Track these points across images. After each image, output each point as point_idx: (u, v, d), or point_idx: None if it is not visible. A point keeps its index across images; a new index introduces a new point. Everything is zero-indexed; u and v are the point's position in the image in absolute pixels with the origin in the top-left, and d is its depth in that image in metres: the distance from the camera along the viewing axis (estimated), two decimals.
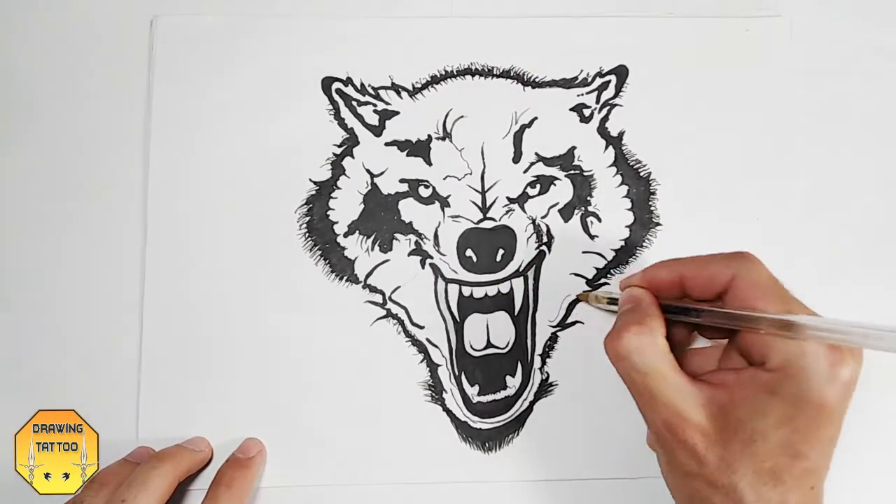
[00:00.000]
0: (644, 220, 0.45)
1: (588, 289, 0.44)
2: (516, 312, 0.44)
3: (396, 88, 0.45)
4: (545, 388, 0.44)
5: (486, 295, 0.44)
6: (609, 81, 0.45)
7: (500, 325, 0.44)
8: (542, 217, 0.44)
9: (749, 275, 0.34)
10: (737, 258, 0.35)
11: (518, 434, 0.43)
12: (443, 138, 0.45)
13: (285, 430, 0.43)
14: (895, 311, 0.45)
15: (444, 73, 0.45)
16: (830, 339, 0.31)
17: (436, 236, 0.44)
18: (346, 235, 0.44)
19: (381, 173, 0.45)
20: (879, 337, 0.29)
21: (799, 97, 0.46)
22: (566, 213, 0.45)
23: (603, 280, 0.44)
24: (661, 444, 0.35)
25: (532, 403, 0.44)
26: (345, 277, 0.44)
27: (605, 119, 0.45)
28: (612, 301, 0.40)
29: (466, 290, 0.44)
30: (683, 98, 0.46)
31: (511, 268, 0.44)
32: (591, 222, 0.45)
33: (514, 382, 0.44)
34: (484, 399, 0.43)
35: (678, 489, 0.35)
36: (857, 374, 0.32)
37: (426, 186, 0.44)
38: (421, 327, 0.44)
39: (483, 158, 0.44)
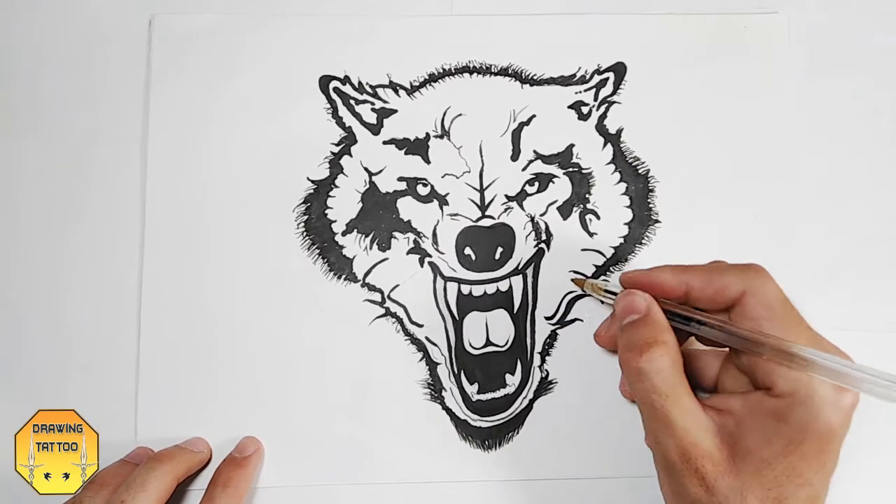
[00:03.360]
0: (643, 218, 0.45)
1: (587, 276, 0.43)
2: (515, 310, 0.44)
3: (394, 87, 0.45)
4: (545, 385, 0.44)
5: (485, 293, 0.44)
6: (607, 79, 0.45)
7: (500, 323, 0.44)
8: (541, 215, 0.44)
9: (760, 293, 0.33)
10: (749, 272, 0.34)
11: (518, 432, 0.43)
12: (441, 136, 0.45)
13: (284, 430, 0.43)
14: (894, 309, 0.45)
15: (441, 71, 0.45)
16: (826, 376, 0.31)
17: (434, 234, 0.44)
18: (344, 234, 0.44)
19: (380, 172, 0.45)
20: (881, 384, 0.29)
21: (797, 94, 0.46)
22: (565, 210, 0.44)
23: (602, 278, 0.44)
24: (669, 469, 0.34)
25: (532, 401, 0.43)
26: (343, 276, 0.44)
27: (603, 116, 0.45)
28: (609, 293, 0.40)
29: (465, 289, 0.44)
30: (682, 95, 0.46)
31: (510, 266, 0.44)
32: (590, 220, 0.45)
33: (513, 380, 0.43)
34: (483, 397, 0.43)
35: None
36: (858, 400, 0.32)
37: (424, 185, 0.44)
38: (420, 326, 0.44)
39: (481, 156, 0.44)
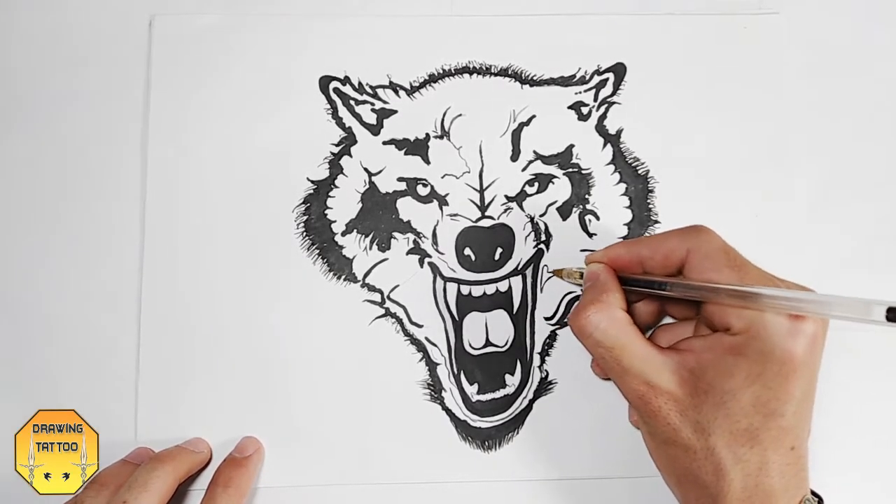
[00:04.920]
0: (642, 218, 0.45)
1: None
2: (515, 311, 0.44)
3: (394, 87, 0.45)
4: (544, 386, 0.44)
5: (484, 293, 0.44)
6: (607, 79, 0.45)
7: (499, 324, 0.44)
8: (541, 215, 0.44)
9: (702, 247, 0.35)
10: (690, 232, 0.36)
11: (518, 432, 0.43)
12: (441, 137, 0.45)
13: (284, 430, 0.43)
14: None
15: (441, 71, 0.45)
16: (785, 308, 0.31)
17: (434, 235, 0.44)
18: (344, 234, 0.44)
19: (379, 172, 0.45)
20: (829, 304, 0.29)
21: (796, 94, 0.46)
22: (564, 211, 0.44)
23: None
24: (639, 416, 0.36)
25: (531, 402, 0.43)
26: (343, 276, 0.44)
27: (603, 117, 0.45)
28: (583, 275, 0.40)
29: (465, 289, 0.44)
30: (681, 96, 0.46)
31: (509, 266, 0.44)
32: (590, 220, 0.45)
33: (513, 381, 0.44)
34: (483, 398, 0.43)
35: (660, 459, 0.36)
36: (823, 328, 0.33)
37: (424, 185, 0.44)
38: (420, 326, 0.44)
39: (481, 157, 0.44)
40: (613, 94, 0.45)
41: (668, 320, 0.42)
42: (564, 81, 0.46)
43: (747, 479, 0.32)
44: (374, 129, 0.45)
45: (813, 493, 0.34)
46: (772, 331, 0.32)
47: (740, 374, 0.32)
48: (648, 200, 0.45)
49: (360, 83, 0.45)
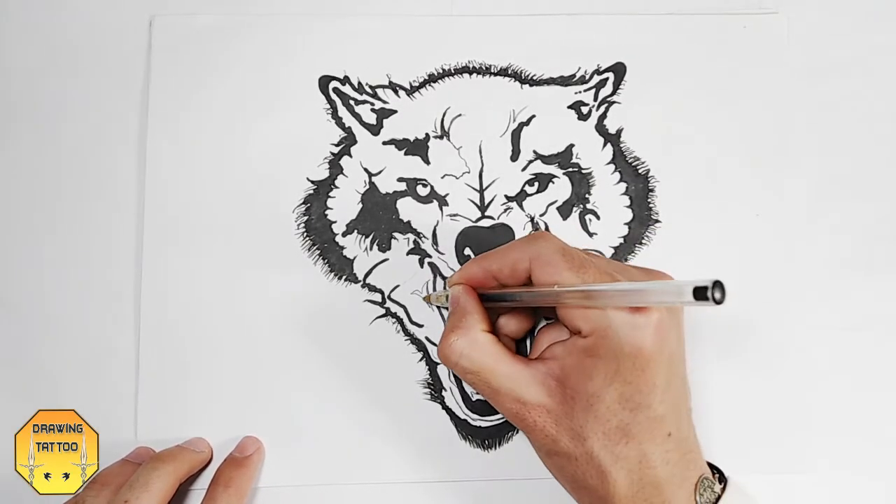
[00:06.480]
0: (643, 218, 0.45)
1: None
2: None
3: (394, 87, 0.45)
4: None
5: None
6: (607, 79, 0.45)
7: None
8: (541, 215, 0.44)
9: (541, 254, 0.35)
10: (530, 240, 0.36)
11: (518, 432, 0.43)
12: (441, 137, 0.45)
13: (284, 430, 0.43)
14: (895, 307, 0.45)
15: (441, 71, 0.45)
16: (615, 302, 0.31)
17: (434, 235, 0.44)
18: (344, 235, 0.44)
19: (379, 172, 0.45)
20: (647, 291, 0.29)
21: (796, 94, 0.46)
22: (565, 210, 0.45)
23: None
24: (523, 432, 0.36)
25: None
26: (343, 277, 0.44)
27: (603, 116, 0.45)
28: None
29: None
30: (681, 95, 0.46)
31: None
32: (590, 220, 0.45)
33: None
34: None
35: (552, 470, 0.36)
36: (671, 313, 0.33)
37: (424, 185, 0.44)
38: (420, 326, 0.44)
39: (481, 157, 0.44)
40: (613, 93, 0.45)
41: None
42: (564, 81, 0.46)
43: (630, 475, 0.32)
44: (374, 129, 0.45)
45: (713, 467, 0.35)
46: (616, 328, 0.32)
47: (599, 376, 0.32)
48: (649, 200, 0.45)
49: (359, 83, 0.45)
